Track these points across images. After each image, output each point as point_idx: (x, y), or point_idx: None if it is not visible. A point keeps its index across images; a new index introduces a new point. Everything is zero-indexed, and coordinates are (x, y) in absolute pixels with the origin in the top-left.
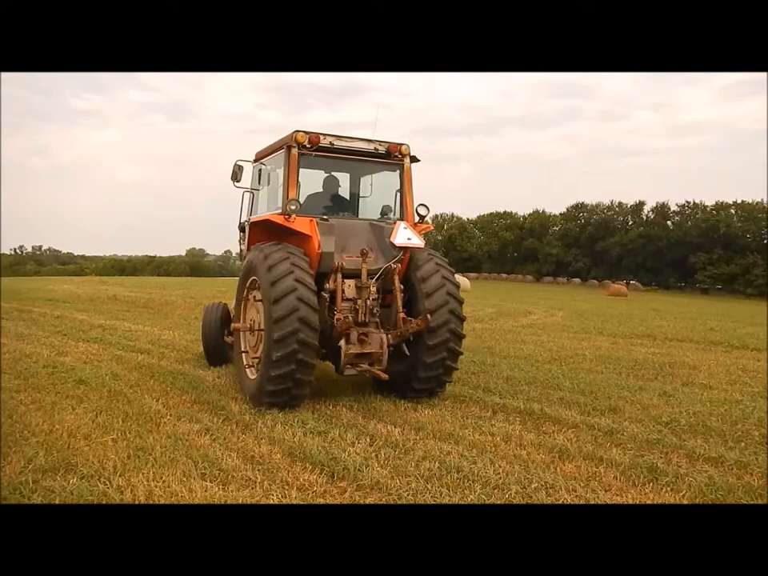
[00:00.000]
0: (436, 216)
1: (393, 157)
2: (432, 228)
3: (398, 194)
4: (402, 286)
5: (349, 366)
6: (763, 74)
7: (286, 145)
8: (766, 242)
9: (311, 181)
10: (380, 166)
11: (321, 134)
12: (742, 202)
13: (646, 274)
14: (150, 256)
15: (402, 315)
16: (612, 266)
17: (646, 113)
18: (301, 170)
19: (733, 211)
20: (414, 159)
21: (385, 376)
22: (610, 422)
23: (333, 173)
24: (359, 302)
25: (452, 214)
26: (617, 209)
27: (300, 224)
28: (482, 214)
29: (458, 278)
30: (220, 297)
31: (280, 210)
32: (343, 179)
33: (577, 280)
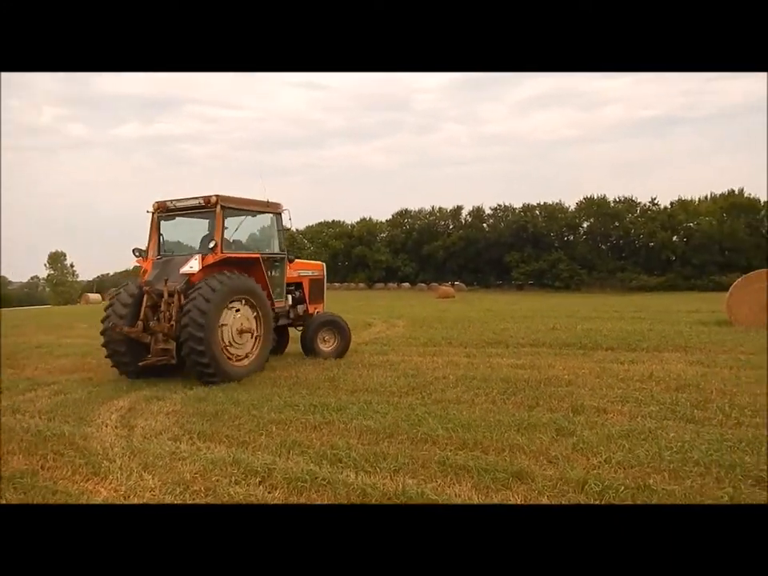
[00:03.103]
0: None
1: (207, 207)
2: (225, 256)
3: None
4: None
5: (155, 357)
6: (549, 91)
7: (148, 211)
8: (566, 239)
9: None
10: (205, 214)
11: (168, 200)
12: (545, 203)
13: (469, 275)
14: None
15: (173, 323)
16: (437, 269)
17: (454, 125)
18: (166, 222)
19: (538, 212)
20: (224, 208)
21: (173, 361)
22: (525, 501)
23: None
24: (164, 312)
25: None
26: (438, 214)
27: (146, 263)
28: (310, 225)
29: None
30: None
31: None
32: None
33: (406, 284)
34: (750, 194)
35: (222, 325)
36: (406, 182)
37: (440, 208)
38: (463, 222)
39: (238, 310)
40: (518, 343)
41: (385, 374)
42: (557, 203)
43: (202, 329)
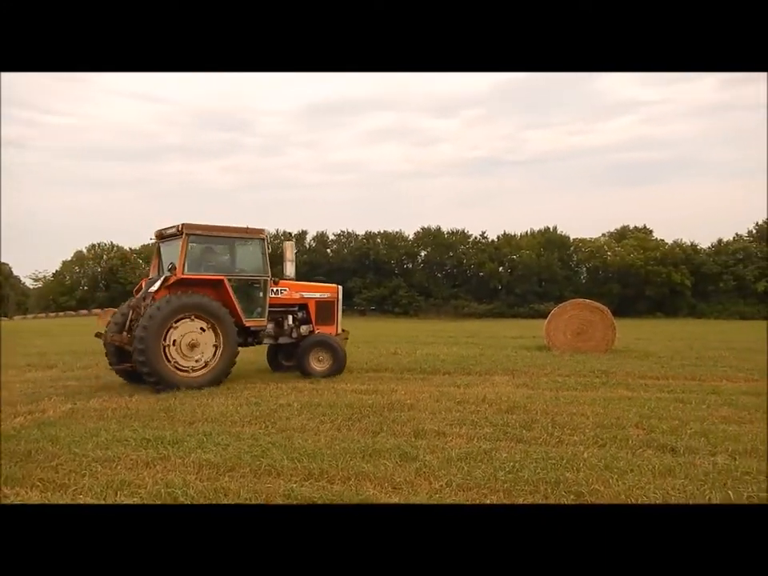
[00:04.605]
0: (93, 246)
1: (179, 234)
2: (182, 277)
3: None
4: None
5: (132, 363)
6: (388, 125)
7: (150, 238)
8: (405, 267)
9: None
10: (178, 240)
11: (162, 229)
12: (386, 232)
13: None
14: None
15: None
16: None
17: (299, 150)
18: (165, 247)
19: (379, 240)
20: (188, 235)
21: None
22: None
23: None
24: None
25: (111, 242)
26: (282, 237)
27: (143, 282)
28: (147, 243)
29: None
30: None
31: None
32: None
33: None
34: (561, 232)
35: (171, 328)
36: (249, 204)
37: (284, 232)
38: (307, 246)
39: (191, 325)
40: (362, 368)
41: (226, 402)
42: (397, 232)
43: (145, 334)
